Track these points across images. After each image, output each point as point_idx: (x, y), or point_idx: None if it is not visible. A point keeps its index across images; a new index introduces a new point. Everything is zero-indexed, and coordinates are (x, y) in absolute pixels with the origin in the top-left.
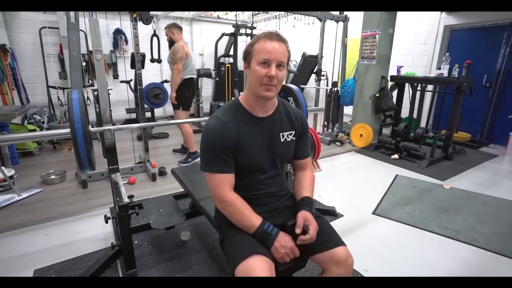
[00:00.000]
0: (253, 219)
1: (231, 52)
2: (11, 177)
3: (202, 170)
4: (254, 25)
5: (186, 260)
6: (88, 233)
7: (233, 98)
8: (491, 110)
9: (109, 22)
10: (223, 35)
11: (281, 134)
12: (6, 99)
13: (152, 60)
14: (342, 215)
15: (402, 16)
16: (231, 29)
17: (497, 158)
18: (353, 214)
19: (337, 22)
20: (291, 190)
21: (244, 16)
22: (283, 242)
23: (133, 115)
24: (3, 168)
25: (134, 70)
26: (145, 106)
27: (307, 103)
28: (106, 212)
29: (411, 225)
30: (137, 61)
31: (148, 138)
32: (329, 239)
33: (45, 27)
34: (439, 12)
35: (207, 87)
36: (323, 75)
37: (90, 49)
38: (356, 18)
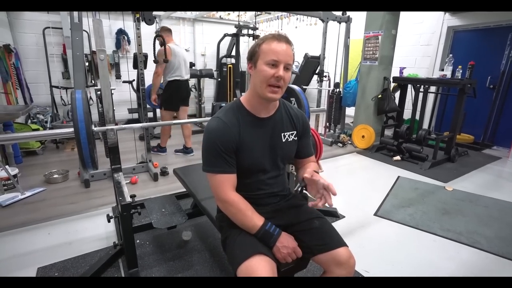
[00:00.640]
0: (255, 219)
1: (233, 53)
2: (14, 176)
3: (204, 170)
4: (256, 26)
5: (187, 260)
6: (90, 232)
7: (234, 99)
8: (494, 112)
9: (112, 22)
10: (225, 35)
11: (282, 134)
12: (10, 98)
13: (155, 61)
14: (343, 216)
15: (405, 17)
16: (233, 30)
17: (500, 161)
18: (355, 215)
19: (340, 23)
20: (292, 190)
21: (247, 16)
22: (285, 242)
23: (135, 115)
24: (7, 167)
25: (136, 70)
26: (147, 106)
27: (309, 104)
28: (108, 211)
29: (413, 227)
30: (140, 62)
31: (150, 138)
32: (331, 240)
33: (49, 27)
34: (442, 13)
35: (209, 88)
36: (325, 76)
37: (93, 49)
38: (358, 19)
